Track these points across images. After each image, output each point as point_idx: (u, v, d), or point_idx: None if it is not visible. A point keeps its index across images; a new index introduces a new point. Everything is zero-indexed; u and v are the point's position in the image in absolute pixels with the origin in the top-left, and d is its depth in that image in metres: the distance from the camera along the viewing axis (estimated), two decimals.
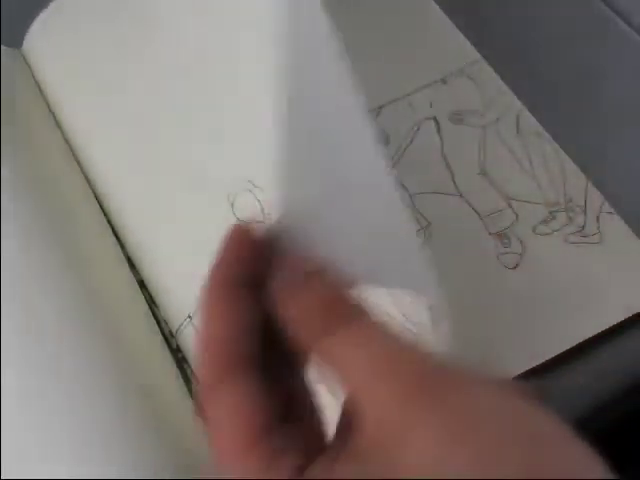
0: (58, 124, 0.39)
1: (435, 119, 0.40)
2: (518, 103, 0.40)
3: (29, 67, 0.41)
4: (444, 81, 0.41)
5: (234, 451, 0.19)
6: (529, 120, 0.40)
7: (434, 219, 0.37)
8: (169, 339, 0.34)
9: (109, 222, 0.37)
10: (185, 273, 0.33)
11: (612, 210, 0.37)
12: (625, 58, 0.43)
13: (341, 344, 0.19)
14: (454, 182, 0.38)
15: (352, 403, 0.18)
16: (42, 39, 0.40)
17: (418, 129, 0.39)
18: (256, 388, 0.19)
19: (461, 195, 0.38)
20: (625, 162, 0.39)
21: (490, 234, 0.37)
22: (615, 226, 0.37)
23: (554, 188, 0.38)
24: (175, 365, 0.33)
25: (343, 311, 0.19)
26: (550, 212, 0.37)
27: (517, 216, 0.37)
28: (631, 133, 0.41)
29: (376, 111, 0.40)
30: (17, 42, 0.41)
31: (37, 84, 0.40)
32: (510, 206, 0.37)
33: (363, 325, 0.19)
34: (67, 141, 0.39)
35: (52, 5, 0.40)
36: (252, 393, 0.19)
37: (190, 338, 0.33)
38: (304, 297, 0.20)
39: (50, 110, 0.39)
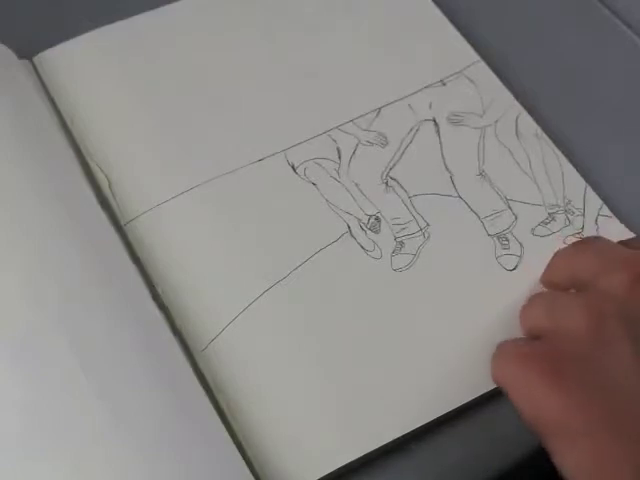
0: (69, 134, 0.40)
1: (434, 120, 0.40)
2: (517, 105, 0.40)
3: (41, 79, 0.41)
4: (443, 83, 0.41)
5: None
6: (528, 122, 0.40)
7: (433, 220, 0.37)
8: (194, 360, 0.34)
9: (119, 230, 0.37)
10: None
11: (610, 214, 0.37)
12: (623, 59, 0.43)
13: None
14: (453, 183, 0.38)
15: None
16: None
17: (417, 130, 0.40)
18: None
19: (460, 196, 0.38)
20: (624, 164, 0.40)
21: (489, 235, 0.37)
22: (614, 229, 0.37)
23: (553, 190, 0.38)
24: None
25: None
26: (549, 214, 0.37)
27: (516, 217, 0.37)
28: (630, 134, 0.41)
29: (375, 112, 0.40)
30: (25, 53, 0.42)
31: (50, 98, 0.41)
32: (509, 207, 0.37)
33: None
34: (80, 156, 0.39)
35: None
36: None
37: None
38: None
39: (61, 121, 0.40)
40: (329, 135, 0.39)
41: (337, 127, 0.39)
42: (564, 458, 0.28)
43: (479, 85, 0.41)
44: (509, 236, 0.37)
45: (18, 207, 0.34)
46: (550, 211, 0.37)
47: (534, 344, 0.31)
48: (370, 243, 0.36)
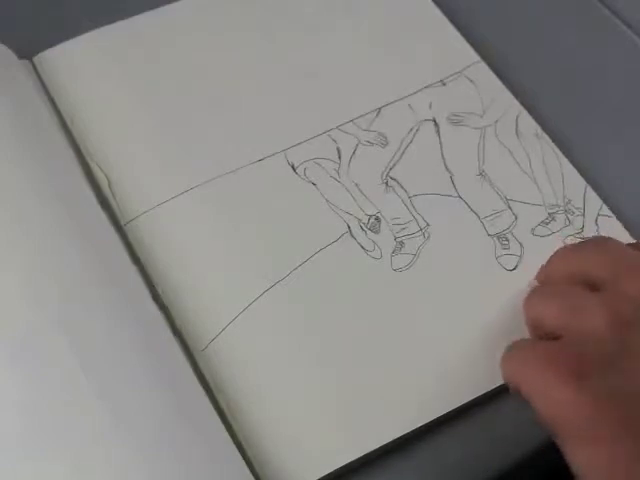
0: (69, 134, 0.40)
1: (434, 120, 0.40)
2: (517, 104, 0.40)
3: (41, 79, 0.41)
4: (443, 83, 0.41)
5: None
6: (528, 122, 0.40)
7: (433, 220, 0.37)
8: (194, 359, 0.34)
9: (119, 230, 0.37)
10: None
11: (610, 213, 0.37)
12: (623, 59, 0.43)
13: None
14: (453, 183, 0.38)
15: None
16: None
17: (417, 130, 0.40)
18: None
19: (460, 196, 0.38)
20: (624, 164, 0.40)
21: (489, 235, 0.37)
22: (614, 229, 0.37)
23: (553, 190, 0.38)
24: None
25: None
26: (549, 213, 0.37)
27: (516, 217, 0.37)
28: (630, 134, 0.41)
29: (375, 112, 0.40)
30: (25, 53, 0.42)
31: (50, 98, 0.41)
32: (509, 207, 0.37)
33: None
34: (80, 157, 0.39)
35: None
36: None
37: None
38: None
39: (61, 121, 0.40)
40: (329, 135, 0.39)
41: (337, 127, 0.39)
42: (579, 458, 0.28)
43: (479, 85, 0.41)
44: (509, 236, 0.37)
45: (18, 207, 0.34)
46: (550, 211, 0.37)
47: (553, 345, 0.30)
48: (370, 243, 0.36)
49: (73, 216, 0.35)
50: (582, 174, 0.38)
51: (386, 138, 0.39)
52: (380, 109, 0.40)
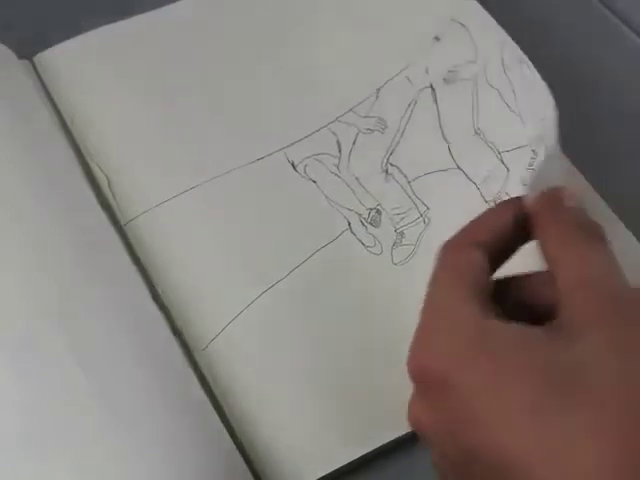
0: (69, 134, 0.40)
1: (431, 86, 0.39)
2: (504, 34, 0.37)
3: (41, 79, 0.41)
4: (437, 38, 0.40)
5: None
6: (512, 49, 0.36)
7: (433, 202, 0.37)
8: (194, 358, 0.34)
9: (119, 231, 0.37)
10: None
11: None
12: (623, 59, 0.43)
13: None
14: (451, 154, 0.37)
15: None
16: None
17: (415, 103, 0.39)
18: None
19: (458, 166, 0.37)
20: (624, 164, 0.39)
21: (486, 202, 0.36)
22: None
23: (534, 118, 0.36)
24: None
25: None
26: (533, 150, 0.36)
27: (508, 170, 0.36)
28: (630, 134, 0.41)
29: (374, 95, 0.40)
30: (25, 53, 0.42)
31: (50, 98, 0.41)
32: (502, 161, 0.36)
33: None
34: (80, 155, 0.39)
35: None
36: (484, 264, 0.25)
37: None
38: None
39: (61, 121, 0.40)
40: (329, 128, 0.39)
41: (337, 119, 0.39)
42: None
43: (470, 27, 0.39)
44: (502, 194, 0.36)
45: (18, 207, 0.34)
46: (533, 148, 0.36)
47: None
48: (370, 238, 0.36)
49: (73, 216, 0.35)
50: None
51: (385, 122, 0.39)
52: (379, 90, 0.40)
